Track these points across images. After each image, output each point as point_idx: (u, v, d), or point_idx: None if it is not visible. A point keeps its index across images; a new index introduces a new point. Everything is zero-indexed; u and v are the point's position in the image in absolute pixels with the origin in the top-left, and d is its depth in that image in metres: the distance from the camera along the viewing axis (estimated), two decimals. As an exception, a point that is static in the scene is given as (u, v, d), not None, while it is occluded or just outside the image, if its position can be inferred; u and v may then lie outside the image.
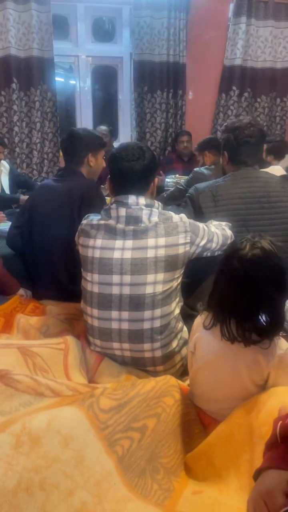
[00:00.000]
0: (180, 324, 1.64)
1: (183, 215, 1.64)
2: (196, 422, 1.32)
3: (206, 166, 3.29)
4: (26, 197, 3.70)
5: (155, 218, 1.57)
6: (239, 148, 1.92)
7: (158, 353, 1.56)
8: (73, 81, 4.55)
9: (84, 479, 0.96)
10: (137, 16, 4.14)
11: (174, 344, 1.59)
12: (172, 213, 1.62)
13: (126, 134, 4.65)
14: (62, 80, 4.61)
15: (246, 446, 1.14)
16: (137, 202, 1.57)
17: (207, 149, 3.49)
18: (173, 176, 4.01)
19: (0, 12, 3.82)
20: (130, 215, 1.56)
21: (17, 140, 4.08)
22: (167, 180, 3.96)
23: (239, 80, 4.50)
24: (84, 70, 4.46)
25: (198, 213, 1.91)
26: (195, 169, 3.37)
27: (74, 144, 2.18)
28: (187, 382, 1.50)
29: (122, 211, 1.56)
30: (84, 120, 4.59)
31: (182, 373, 1.64)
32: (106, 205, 1.66)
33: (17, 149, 4.11)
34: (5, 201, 3.66)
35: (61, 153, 4.22)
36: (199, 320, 1.34)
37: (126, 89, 4.57)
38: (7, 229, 2.76)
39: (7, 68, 3.93)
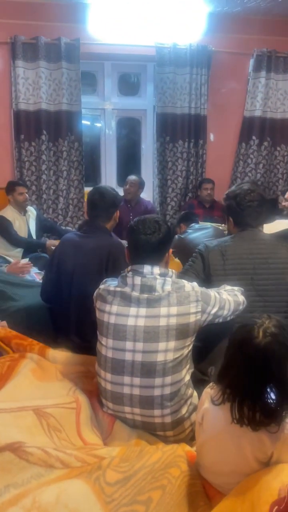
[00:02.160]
0: (190, 390, 1.69)
1: (195, 284, 1.72)
2: (201, 494, 1.35)
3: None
4: (51, 241, 3.90)
5: (168, 287, 1.65)
6: (243, 212, 2.07)
7: (168, 419, 1.62)
8: (99, 130, 4.79)
9: None
10: (161, 72, 4.37)
11: (184, 410, 1.64)
12: (185, 282, 1.70)
13: (148, 182, 4.82)
14: (89, 123, 4.84)
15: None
16: (152, 271, 1.67)
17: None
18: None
19: (34, 70, 4.12)
20: (144, 283, 1.65)
21: (45, 187, 4.30)
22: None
23: (258, 130, 4.65)
24: (110, 121, 4.70)
25: (207, 270, 2.00)
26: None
27: (106, 202, 2.36)
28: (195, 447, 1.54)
29: (138, 280, 1.66)
30: (109, 168, 4.81)
31: (192, 437, 1.68)
32: (123, 272, 1.75)
33: (44, 196, 4.33)
34: (33, 245, 3.85)
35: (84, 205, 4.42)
36: (208, 391, 1.39)
37: (149, 139, 4.78)
38: (33, 278, 2.92)
39: (38, 121, 4.20)
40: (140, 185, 4.35)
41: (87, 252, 2.24)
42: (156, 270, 1.68)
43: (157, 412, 1.60)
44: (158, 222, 1.71)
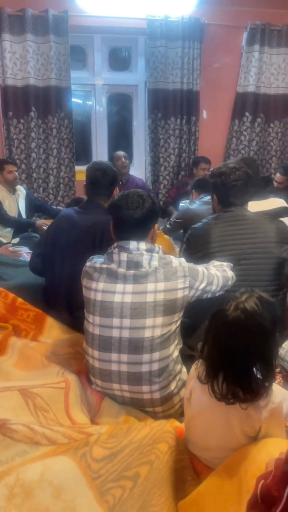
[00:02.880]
0: (179, 366, 1.68)
1: (182, 260, 1.69)
2: (189, 469, 1.35)
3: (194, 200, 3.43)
4: (42, 220, 3.85)
5: (155, 263, 1.62)
6: (228, 191, 2.05)
7: (157, 395, 1.61)
8: (90, 107, 4.68)
9: (73, 530, 1.01)
10: (152, 46, 4.25)
11: (173, 386, 1.64)
12: (172, 258, 1.68)
13: (140, 160, 4.75)
14: (80, 101, 4.73)
15: (234, 497, 1.17)
16: (138, 247, 1.64)
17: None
18: (187, 200, 4.06)
19: (21, 44, 3.99)
20: (131, 260, 1.62)
21: (34, 166, 4.22)
22: (181, 204, 4.03)
23: (252, 106, 4.56)
24: (100, 97, 4.59)
25: (197, 253, 1.99)
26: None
27: (108, 179, 2.31)
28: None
29: (124, 256, 1.63)
30: (100, 145, 4.71)
31: (181, 413, 1.67)
32: (110, 249, 1.72)
33: (34, 174, 4.24)
34: (22, 225, 3.80)
35: (76, 179, 4.36)
36: (195, 367, 1.38)
37: (140, 116, 4.68)
38: (25, 258, 2.90)
39: (26, 97, 4.08)
40: (129, 159, 4.29)
41: (83, 229, 2.20)
42: (142, 245, 1.64)
43: (145, 388, 1.59)
44: (141, 196, 1.67)
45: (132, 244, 1.64)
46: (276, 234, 2.01)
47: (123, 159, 4.26)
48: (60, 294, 2.26)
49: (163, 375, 1.60)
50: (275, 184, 4.32)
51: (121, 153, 4.33)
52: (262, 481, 0.99)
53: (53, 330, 2.13)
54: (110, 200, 2.31)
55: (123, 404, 1.65)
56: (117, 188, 2.41)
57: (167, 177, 4.64)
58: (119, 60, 4.70)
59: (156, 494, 1.25)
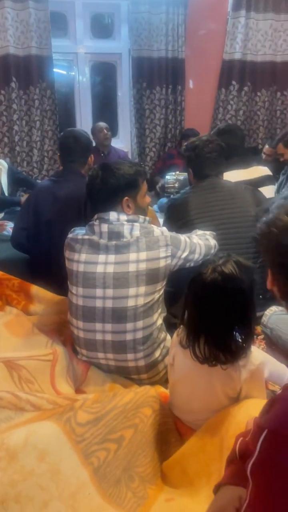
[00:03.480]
0: (163, 334, 1.70)
1: (164, 229, 1.69)
2: (173, 431, 1.39)
3: None
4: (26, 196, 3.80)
5: (136, 233, 1.62)
6: (202, 164, 2.11)
7: (142, 363, 1.63)
8: (72, 77, 4.56)
9: (59, 491, 1.04)
10: (135, 11, 4.13)
11: (157, 353, 1.66)
12: (154, 227, 1.67)
13: (126, 131, 4.67)
14: (64, 72, 4.61)
15: (216, 456, 1.21)
16: (118, 218, 1.63)
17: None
18: (173, 173, 4.03)
19: (-2, 11, 3.84)
20: (112, 230, 1.62)
21: (17, 139, 4.13)
22: (167, 177, 4.00)
23: (239, 74, 4.48)
24: (83, 66, 4.47)
25: (177, 222, 2.02)
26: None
27: (81, 145, 2.28)
28: (170, 389, 1.57)
29: (105, 227, 1.62)
30: (84, 117, 4.62)
31: (166, 380, 1.70)
32: (91, 220, 1.71)
33: (17, 148, 4.16)
34: (6, 203, 3.73)
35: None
36: (178, 334, 1.40)
37: (125, 86, 4.58)
38: (9, 233, 2.85)
39: (6, 67, 3.96)
40: (111, 130, 4.22)
41: (64, 199, 2.18)
42: (123, 216, 1.64)
43: (130, 356, 1.62)
44: (105, 168, 1.68)
45: (112, 215, 1.63)
46: (253, 199, 2.07)
47: (105, 130, 4.17)
48: (47, 267, 2.25)
49: (147, 343, 1.62)
50: (263, 156, 4.29)
51: (102, 124, 4.22)
52: (241, 438, 1.02)
53: (41, 298, 2.11)
54: (87, 167, 2.29)
55: (109, 372, 1.68)
56: (92, 155, 2.37)
57: (154, 149, 4.59)
58: (102, 27, 4.56)
59: (140, 455, 1.28)
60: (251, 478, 0.72)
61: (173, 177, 3.97)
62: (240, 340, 1.21)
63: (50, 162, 4.34)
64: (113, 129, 4.52)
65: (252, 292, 1.21)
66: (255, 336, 2.09)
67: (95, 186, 1.67)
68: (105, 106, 4.86)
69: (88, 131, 4.54)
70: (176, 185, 3.76)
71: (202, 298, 1.21)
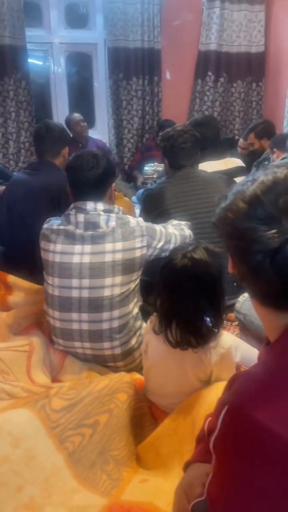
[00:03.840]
0: (139, 323, 1.73)
1: (140, 219, 1.72)
2: (147, 415, 1.43)
3: None
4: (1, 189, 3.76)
5: (112, 223, 1.64)
6: (177, 154, 2.14)
7: (118, 351, 1.66)
8: (48, 68, 4.51)
9: (33, 475, 1.07)
10: (110, 1, 4.09)
11: (133, 341, 1.69)
12: (130, 218, 1.69)
13: (103, 122, 4.65)
14: (40, 63, 4.55)
15: (189, 437, 1.25)
16: (95, 208, 1.65)
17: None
18: (152, 164, 4.04)
19: None
20: (88, 220, 1.63)
21: (-8, 131, 4.08)
22: (145, 168, 4.01)
23: (214, 65, 4.49)
24: (58, 57, 4.42)
25: (153, 211, 2.04)
26: None
27: (53, 135, 2.30)
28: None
29: (81, 217, 1.64)
30: (60, 108, 4.57)
31: (142, 367, 1.74)
32: (67, 210, 1.72)
33: (-7, 140, 4.11)
34: None
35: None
36: (151, 320, 1.43)
37: (101, 76, 4.55)
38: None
39: (-22, 58, 3.90)
40: (87, 121, 4.18)
41: (37, 190, 2.19)
42: (100, 206, 1.65)
43: (106, 344, 1.64)
44: (96, 156, 1.67)
45: (89, 205, 1.65)
46: (227, 188, 2.09)
47: (81, 123, 4.12)
48: (22, 258, 2.25)
49: (123, 331, 1.65)
50: (239, 150, 4.35)
51: (77, 116, 4.15)
52: (210, 418, 1.06)
53: (19, 287, 2.10)
54: (62, 159, 2.29)
55: (86, 361, 1.70)
56: (67, 148, 2.38)
57: (131, 140, 4.58)
58: (77, 17, 4.51)
59: (116, 439, 1.32)
60: (214, 453, 0.76)
61: (152, 168, 3.98)
62: (210, 324, 1.25)
63: (26, 154, 4.29)
64: (90, 120, 4.50)
65: (221, 277, 1.25)
66: (229, 323, 2.16)
67: (82, 174, 1.64)
68: (81, 97, 4.82)
69: (64, 122, 4.55)
70: (155, 176, 3.79)
71: (172, 283, 1.24)
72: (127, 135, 4.56)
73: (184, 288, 1.23)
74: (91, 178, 1.64)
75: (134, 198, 3.99)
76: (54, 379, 1.64)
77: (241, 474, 0.69)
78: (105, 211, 1.65)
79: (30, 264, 2.19)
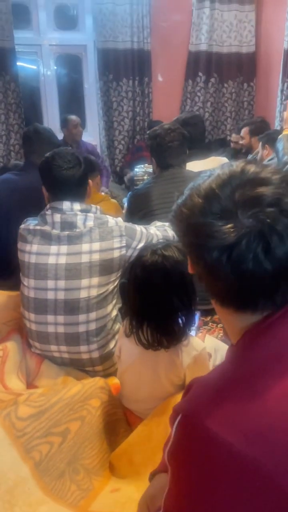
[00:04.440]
0: (118, 325, 1.68)
1: (119, 219, 1.67)
2: (122, 421, 1.38)
3: None
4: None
5: (90, 223, 1.59)
6: (163, 153, 2.08)
7: (96, 354, 1.61)
8: (38, 70, 4.48)
9: (-5, 486, 1.02)
10: (99, 2, 4.08)
11: (112, 345, 1.64)
12: (109, 217, 1.65)
13: (93, 124, 4.62)
14: (34, 67, 4.51)
15: (162, 444, 1.19)
16: (72, 208, 1.60)
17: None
18: (142, 165, 4.01)
19: None
20: (65, 220, 1.59)
21: (-19, 133, 4.05)
22: (136, 170, 3.97)
23: (205, 65, 4.47)
24: (48, 59, 4.40)
25: (138, 212, 2.00)
26: None
27: (41, 139, 2.31)
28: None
29: (57, 217, 1.59)
30: (50, 110, 4.55)
31: (121, 371, 1.70)
32: (43, 211, 1.67)
33: (-18, 142, 4.08)
34: None
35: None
36: (122, 326, 1.39)
37: (91, 78, 4.52)
38: None
39: None
40: (82, 125, 4.13)
41: (23, 190, 2.17)
42: (77, 206, 1.61)
43: (83, 348, 1.59)
44: (74, 154, 1.63)
45: (66, 205, 1.60)
46: None
47: (79, 127, 4.02)
48: (8, 260, 2.21)
49: (101, 334, 1.60)
50: (232, 144, 4.33)
51: (76, 119, 4.03)
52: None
53: None
54: None
55: (63, 365, 1.65)
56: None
57: (122, 142, 4.55)
58: (66, 18, 4.48)
59: (87, 447, 1.27)
60: (168, 464, 0.71)
61: (142, 170, 3.94)
62: (181, 323, 1.21)
63: (16, 157, 4.26)
64: (81, 122, 4.45)
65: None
66: (215, 324, 2.11)
67: (63, 174, 1.59)
68: (72, 99, 4.79)
69: (55, 123, 4.52)
70: (145, 177, 3.75)
71: (142, 280, 1.20)
72: (118, 136, 4.53)
73: (154, 285, 1.18)
74: (74, 176, 1.59)
75: (124, 200, 3.95)
76: (30, 385, 1.59)
77: (194, 486, 0.65)
78: (82, 210, 1.61)
79: (16, 265, 2.15)
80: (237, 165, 0.70)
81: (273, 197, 0.64)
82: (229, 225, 0.64)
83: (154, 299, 1.19)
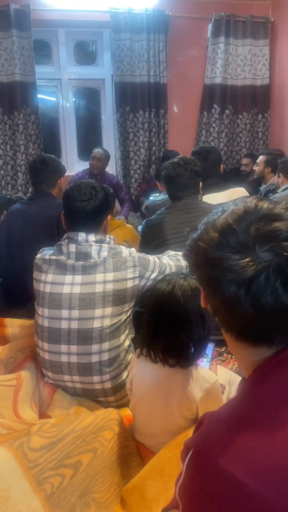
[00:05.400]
0: (130, 356, 1.68)
1: (133, 250, 1.70)
2: (134, 455, 1.36)
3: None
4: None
5: (104, 253, 1.62)
6: (171, 186, 2.17)
7: (108, 385, 1.61)
8: (57, 102, 4.64)
9: (6, 519, 1.01)
10: (117, 39, 4.24)
11: (124, 375, 1.64)
12: (123, 248, 1.68)
13: (111, 154, 4.72)
14: (54, 99, 4.67)
15: (175, 479, 1.18)
16: (87, 239, 1.63)
17: None
18: (157, 194, 4.07)
19: (-17, 40, 3.94)
20: (79, 251, 1.62)
21: (2, 163, 4.18)
22: (151, 198, 4.04)
23: (220, 98, 4.57)
24: (67, 92, 4.56)
25: (152, 242, 2.03)
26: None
27: (48, 167, 2.38)
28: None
29: (72, 247, 1.63)
30: (68, 141, 4.69)
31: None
32: (60, 240, 1.71)
33: (2, 172, 4.20)
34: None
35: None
36: (133, 356, 1.40)
37: (109, 110, 4.66)
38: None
39: (-10, 94, 4.04)
40: (106, 158, 4.19)
41: (34, 218, 2.23)
42: (92, 237, 1.64)
43: (96, 378, 1.60)
44: (94, 188, 1.67)
45: (81, 236, 1.64)
46: None
47: (95, 160, 4.10)
48: (21, 289, 2.25)
49: (113, 365, 1.61)
50: (242, 167, 4.41)
51: (96, 152, 4.11)
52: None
53: (13, 325, 2.09)
54: (58, 190, 2.35)
55: (76, 395, 1.65)
56: (62, 178, 2.46)
57: (138, 171, 4.64)
58: (86, 54, 4.67)
59: (99, 480, 1.25)
60: (179, 500, 0.71)
61: (158, 198, 4.01)
62: (191, 350, 1.22)
63: (35, 185, 4.37)
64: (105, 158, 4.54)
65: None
66: (230, 355, 2.10)
67: (79, 205, 1.63)
68: (89, 130, 4.93)
69: (73, 154, 4.65)
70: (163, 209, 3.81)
71: (155, 307, 1.23)
72: (134, 166, 4.62)
73: (166, 313, 1.21)
74: (86, 209, 1.63)
75: (140, 228, 4.00)
76: (43, 414, 1.59)
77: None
78: (97, 241, 1.64)
79: (29, 294, 2.18)
80: (251, 201, 0.72)
81: None
82: (247, 259, 0.65)
83: (165, 326, 1.21)
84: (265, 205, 0.71)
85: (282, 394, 0.67)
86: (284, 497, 0.58)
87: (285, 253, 0.64)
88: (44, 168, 2.36)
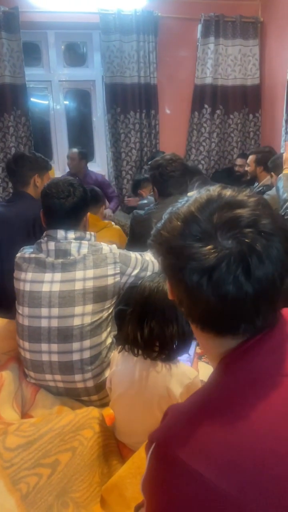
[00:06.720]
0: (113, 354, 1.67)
1: (113, 246, 1.68)
2: (115, 453, 1.34)
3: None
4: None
5: (84, 250, 1.61)
6: (165, 182, 2.14)
7: (90, 383, 1.59)
8: (48, 104, 4.63)
9: (-23, 519, 0.99)
10: (106, 40, 4.23)
11: (107, 373, 1.61)
12: (104, 245, 1.66)
13: (102, 155, 4.73)
14: (45, 102, 4.66)
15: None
16: (66, 236, 1.62)
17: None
18: (148, 196, 4.07)
19: (-28, 42, 3.93)
20: (58, 248, 1.60)
21: (-8, 165, 4.16)
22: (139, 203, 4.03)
23: (210, 98, 4.56)
24: (57, 94, 4.55)
25: (140, 238, 2.02)
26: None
27: (20, 165, 2.27)
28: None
29: (52, 245, 1.61)
30: (60, 143, 4.67)
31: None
32: (39, 239, 1.69)
33: (-7, 174, 4.19)
34: None
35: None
36: (113, 355, 1.39)
37: (99, 111, 4.65)
38: None
39: (-20, 96, 4.03)
40: (82, 156, 4.16)
41: (11, 221, 2.17)
42: (71, 234, 1.63)
43: (78, 377, 1.58)
44: (72, 185, 1.65)
45: (60, 233, 1.62)
46: None
47: (72, 160, 4.12)
48: (3, 293, 2.22)
49: (95, 363, 1.59)
50: (236, 167, 4.39)
51: (70, 151, 4.16)
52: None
53: None
54: (33, 188, 2.27)
55: (58, 394, 1.63)
56: (37, 175, 2.31)
57: (130, 172, 4.62)
58: (77, 55, 4.66)
59: (77, 480, 1.23)
60: (143, 494, 0.69)
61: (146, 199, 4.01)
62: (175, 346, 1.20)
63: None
64: (90, 154, 4.56)
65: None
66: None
67: (57, 203, 1.61)
68: (80, 131, 4.92)
69: (64, 156, 4.64)
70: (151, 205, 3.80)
71: (139, 304, 1.23)
72: (125, 167, 4.60)
73: (149, 308, 1.19)
74: (64, 206, 1.62)
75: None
76: (25, 415, 1.57)
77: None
78: (76, 238, 1.62)
79: (7, 295, 2.15)
80: (214, 189, 0.71)
81: (250, 219, 0.64)
82: (208, 247, 0.64)
83: (149, 321, 1.20)
84: (228, 192, 0.70)
85: (245, 384, 0.66)
86: (247, 491, 0.57)
87: (246, 240, 0.63)
88: (16, 167, 2.26)
